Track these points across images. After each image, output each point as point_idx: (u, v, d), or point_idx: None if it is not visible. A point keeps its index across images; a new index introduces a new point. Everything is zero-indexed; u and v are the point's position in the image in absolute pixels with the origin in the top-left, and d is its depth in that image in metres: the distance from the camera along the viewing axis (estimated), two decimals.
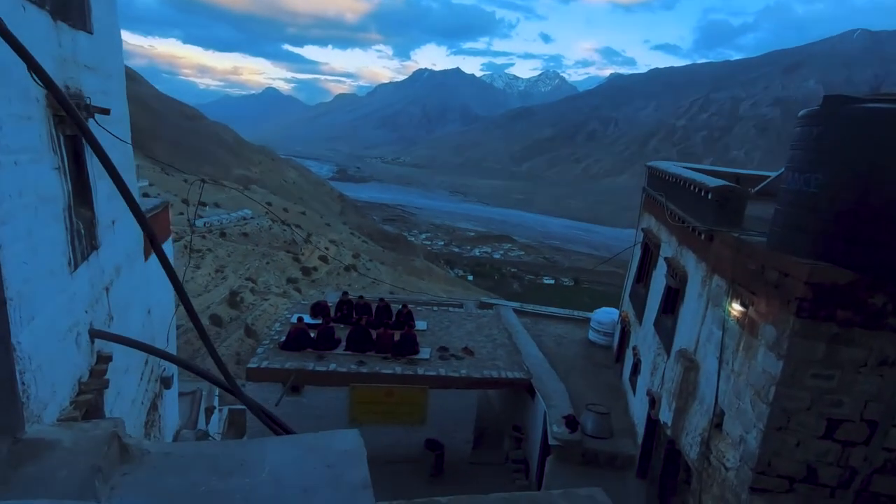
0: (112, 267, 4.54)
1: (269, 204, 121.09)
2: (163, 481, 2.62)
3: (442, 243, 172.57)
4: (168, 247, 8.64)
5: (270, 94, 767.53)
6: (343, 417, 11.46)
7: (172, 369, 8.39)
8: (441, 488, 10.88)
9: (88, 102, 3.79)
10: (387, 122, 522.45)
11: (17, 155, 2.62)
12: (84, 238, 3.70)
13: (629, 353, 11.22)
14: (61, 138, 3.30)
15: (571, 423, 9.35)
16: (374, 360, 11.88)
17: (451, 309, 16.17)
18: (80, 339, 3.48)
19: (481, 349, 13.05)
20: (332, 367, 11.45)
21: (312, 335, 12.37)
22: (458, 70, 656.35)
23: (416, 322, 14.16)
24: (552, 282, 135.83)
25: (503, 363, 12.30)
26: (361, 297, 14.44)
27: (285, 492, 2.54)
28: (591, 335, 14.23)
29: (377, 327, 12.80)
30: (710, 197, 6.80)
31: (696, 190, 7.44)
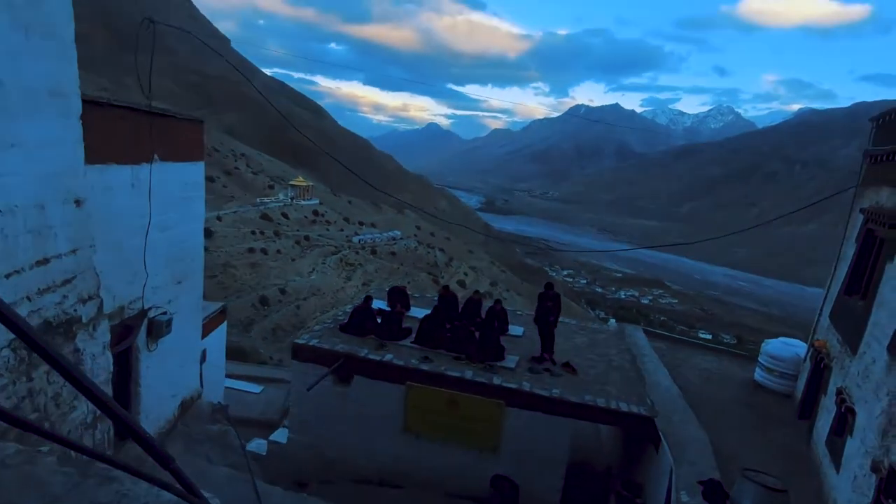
0: None
1: (419, 227, 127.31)
2: None
3: (584, 282, 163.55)
4: (199, 169, 7.28)
5: (432, 128, 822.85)
6: (395, 422, 9.04)
7: (174, 310, 6.86)
8: None
9: None
10: (538, 156, 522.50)
11: None
12: None
13: (828, 402, 7.01)
14: None
15: (714, 492, 5.67)
16: (444, 360, 9.32)
17: (561, 320, 12.92)
18: None
19: (589, 368, 9.67)
20: (389, 357, 9.17)
21: (379, 321, 10.31)
22: (616, 106, 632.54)
23: (511, 326, 11.31)
24: (709, 336, 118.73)
25: (616, 390, 8.79)
26: (447, 286, 12.07)
27: None
28: (760, 375, 9.85)
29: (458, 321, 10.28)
30: None
31: None
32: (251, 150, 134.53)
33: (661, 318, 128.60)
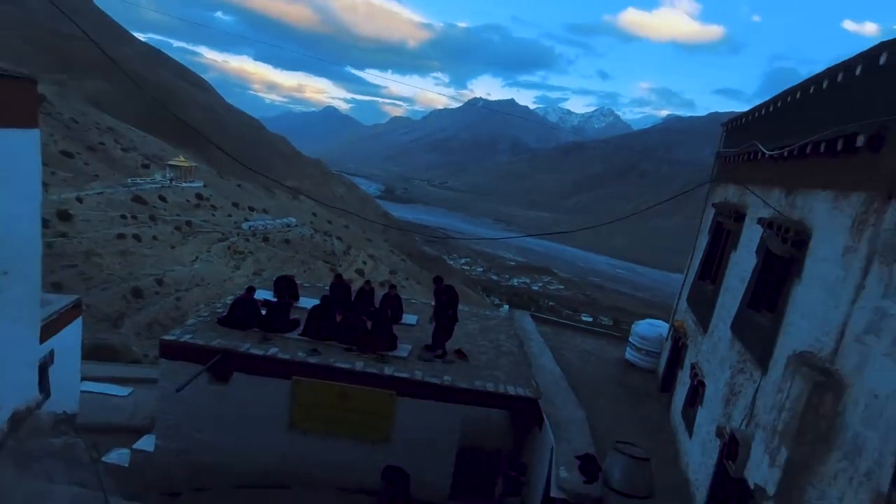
0: None
1: (315, 214, 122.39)
2: None
3: (481, 270, 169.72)
4: (32, 138, 6.12)
5: (330, 111, 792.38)
6: (282, 420, 8.54)
7: None
8: None
9: None
10: (438, 146, 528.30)
11: None
12: None
13: (683, 377, 7.83)
14: None
15: (589, 467, 6.06)
16: (334, 352, 8.97)
17: None
18: None
19: (480, 355, 9.89)
20: (273, 351, 8.61)
21: (264, 312, 9.65)
22: (512, 101, 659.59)
23: (405, 315, 11.22)
24: (590, 319, 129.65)
25: (505, 375, 9.10)
26: (339, 275, 11.65)
27: None
28: (630, 354, 10.80)
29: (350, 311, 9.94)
30: (882, 62, 3.61)
31: (842, 78, 4.26)
32: (121, 124, 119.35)
33: (550, 304, 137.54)
